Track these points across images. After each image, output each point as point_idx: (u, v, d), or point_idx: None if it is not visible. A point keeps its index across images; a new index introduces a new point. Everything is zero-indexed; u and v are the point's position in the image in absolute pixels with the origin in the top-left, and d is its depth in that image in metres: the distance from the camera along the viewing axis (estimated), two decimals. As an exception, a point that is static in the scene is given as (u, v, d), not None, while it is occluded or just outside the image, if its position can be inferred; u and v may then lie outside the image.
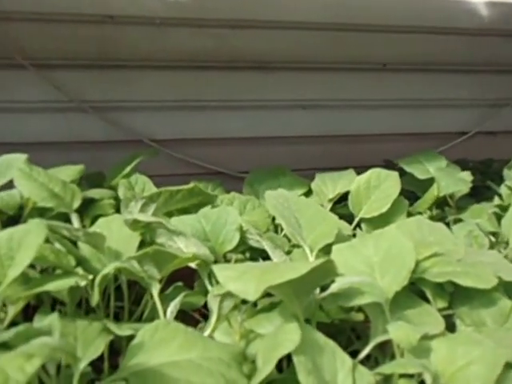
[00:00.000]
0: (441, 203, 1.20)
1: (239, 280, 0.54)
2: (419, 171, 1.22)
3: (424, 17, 1.69)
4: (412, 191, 1.29)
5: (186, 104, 1.75)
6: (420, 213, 1.14)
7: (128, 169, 1.05)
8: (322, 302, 0.72)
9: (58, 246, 0.75)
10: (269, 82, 1.81)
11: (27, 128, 1.59)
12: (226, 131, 1.83)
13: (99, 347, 0.64)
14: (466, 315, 0.82)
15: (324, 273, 0.60)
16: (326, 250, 0.80)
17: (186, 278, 0.90)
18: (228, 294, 0.69)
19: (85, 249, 0.79)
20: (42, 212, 0.86)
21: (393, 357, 0.71)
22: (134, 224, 0.77)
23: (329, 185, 1.13)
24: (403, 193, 1.25)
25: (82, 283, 0.69)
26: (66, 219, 0.87)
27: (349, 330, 0.85)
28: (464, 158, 1.81)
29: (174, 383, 0.52)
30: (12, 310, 0.65)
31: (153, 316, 0.78)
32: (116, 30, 1.59)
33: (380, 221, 1.05)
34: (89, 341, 0.65)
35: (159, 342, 0.58)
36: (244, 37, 1.71)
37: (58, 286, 0.64)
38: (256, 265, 0.61)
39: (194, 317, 0.86)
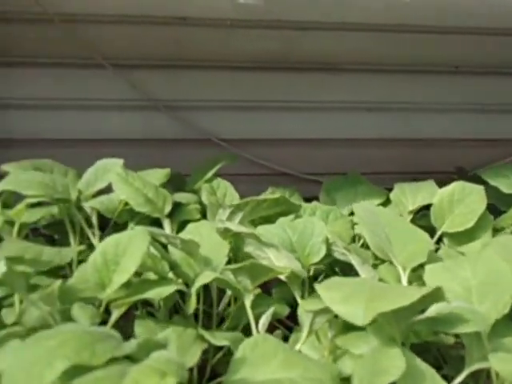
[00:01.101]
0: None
1: (346, 303, 0.53)
2: (505, 185, 1.16)
3: (498, 18, 1.61)
4: (492, 204, 1.22)
5: (254, 104, 1.76)
6: (503, 228, 1.09)
7: (210, 174, 1.06)
8: (416, 325, 0.70)
9: (152, 250, 0.77)
10: (334, 84, 1.78)
11: (104, 125, 1.65)
12: (292, 132, 1.82)
13: (195, 355, 0.66)
14: None
15: (431, 299, 0.58)
16: (417, 269, 0.78)
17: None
18: (323, 311, 0.68)
19: (176, 254, 0.81)
20: (132, 215, 0.89)
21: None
22: (225, 232, 0.78)
23: (408, 196, 1.10)
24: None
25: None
26: (153, 222, 0.90)
27: (435, 351, 0.83)
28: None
29: (279, 402, 0.53)
30: (115, 314, 0.68)
31: (236, 324, 0.79)
32: (188, 31, 1.61)
33: (463, 236, 1.01)
34: (185, 348, 0.67)
35: (260, 357, 0.59)
36: (311, 38, 1.69)
37: (158, 293, 0.66)
38: (359, 285, 0.60)
39: (271, 323, 0.86)
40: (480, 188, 1.04)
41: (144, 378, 0.40)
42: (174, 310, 0.83)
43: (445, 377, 0.70)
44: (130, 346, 0.48)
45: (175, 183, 1.08)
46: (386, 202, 1.15)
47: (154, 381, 0.40)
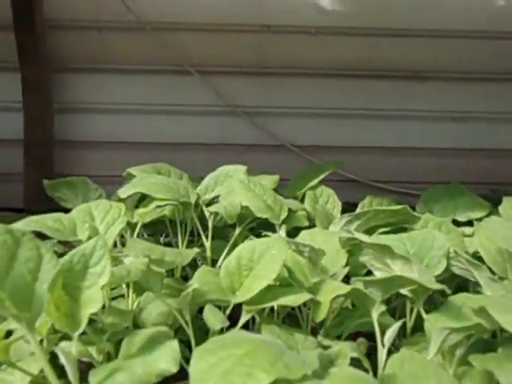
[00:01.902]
0: None
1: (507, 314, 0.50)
2: None
3: None
4: None
5: (332, 112, 1.74)
6: None
7: (316, 181, 1.06)
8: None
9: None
10: (419, 92, 1.74)
11: (185, 130, 1.69)
12: (369, 140, 1.79)
13: (315, 362, 0.65)
14: None
15: None
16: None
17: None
18: (459, 329, 0.66)
19: (289, 261, 0.81)
20: (241, 219, 0.89)
21: None
22: (347, 241, 0.77)
23: (517, 209, 1.05)
24: None
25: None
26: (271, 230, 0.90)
27: None
28: None
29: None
30: (245, 318, 0.68)
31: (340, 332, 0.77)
32: (272, 38, 1.63)
33: None
34: (310, 356, 0.66)
35: (409, 375, 0.57)
36: (398, 46, 1.67)
37: (293, 300, 0.66)
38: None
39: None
40: None
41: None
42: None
43: None
44: (313, 361, 0.47)
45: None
46: (489, 215, 1.10)
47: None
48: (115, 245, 0.82)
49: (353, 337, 0.80)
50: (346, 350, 0.52)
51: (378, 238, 0.84)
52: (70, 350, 0.54)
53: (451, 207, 1.11)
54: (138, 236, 0.92)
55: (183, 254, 0.77)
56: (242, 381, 0.38)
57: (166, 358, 0.54)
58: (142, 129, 1.67)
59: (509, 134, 1.81)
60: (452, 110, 1.74)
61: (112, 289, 0.74)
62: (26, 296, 0.55)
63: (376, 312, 0.70)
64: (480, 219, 1.06)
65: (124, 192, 0.81)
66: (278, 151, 1.77)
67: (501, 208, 1.05)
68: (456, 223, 1.02)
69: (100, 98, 1.63)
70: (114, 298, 0.75)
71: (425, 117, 1.75)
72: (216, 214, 0.82)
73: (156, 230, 1.05)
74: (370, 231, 0.86)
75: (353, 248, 0.81)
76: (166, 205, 0.83)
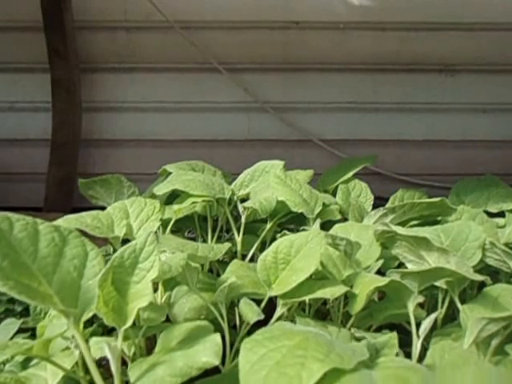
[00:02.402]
0: None
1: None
2: None
3: None
4: None
5: (360, 106, 1.74)
6: None
7: (350, 174, 1.06)
8: None
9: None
10: (449, 85, 1.72)
11: (214, 126, 1.71)
12: (397, 133, 1.77)
13: (366, 353, 0.65)
14: None
15: None
16: None
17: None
18: (497, 319, 0.65)
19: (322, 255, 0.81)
20: (272, 215, 0.90)
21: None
22: (382, 234, 0.77)
23: (554, 201, 1.03)
24: None
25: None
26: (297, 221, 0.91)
27: None
28: None
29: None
30: (281, 310, 0.69)
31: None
32: (300, 34, 1.63)
33: None
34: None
35: (450, 366, 0.57)
36: (426, 39, 1.65)
37: (331, 292, 0.66)
38: None
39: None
40: None
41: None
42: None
43: None
44: (363, 351, 0.48)
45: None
46: (523, 207, 1.08)
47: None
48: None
49: (378, 330, 0.80)
50: (394, 340, 0.52)
51: (412, 231, 0.84)
52: (115, 345, 0.56)
53: (483, 198, 1.09)
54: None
55: (215, 249, 0.79)
56: (295, 371, 0.39)
57: (208, 351, 0.55)
58: (169, 126, 1.70)
59: None
60: (483, 102, 1.71)
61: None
62: (72, 292, 0.56)
63: (412, 304, 0.70)
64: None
65: (161, 189, 0.83)
66: (305, 146, 1.78)
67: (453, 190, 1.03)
68: (488, 214, 1.00)
69: (128, 96, 1.66)
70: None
71: (455, 109, 1.72)
72: (248, 209, 0.83)
73: (182, 227, 1.06)
74: (402, 224, 0.86)
75: (385, 241, 0.81)
76: (202, 201, 0.84)
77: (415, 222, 0.93)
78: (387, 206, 0.84)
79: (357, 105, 1.73)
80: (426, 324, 0.71)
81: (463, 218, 0.90)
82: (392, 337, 0.52)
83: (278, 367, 0.40)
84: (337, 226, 0.84)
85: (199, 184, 0.79)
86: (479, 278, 0.68)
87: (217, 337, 0.57)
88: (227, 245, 0.82)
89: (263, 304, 0.72)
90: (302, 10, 1.56)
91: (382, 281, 0.66)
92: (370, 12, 1.56)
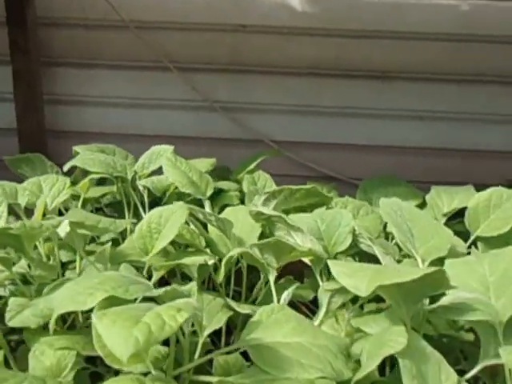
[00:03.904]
0: None
1: (353, 276, 0.59)
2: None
3: None
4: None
5: (305, 109, 1.83)
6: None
7: (252, 165, 1.15)
8: (430, 315, 0.73)
9: (192, 227, 0.87)
10: (387, 92, 1.80)
11: (166, 123, 1.80)
12: (342, 137, 1.86)
13: (221, 320, 0.74)
14: None
15: (435, 283, 0.62)
16: (438, 263, 0.81)
17: (296, 273, 0.97)
18: (339, 290, 0.74)
19: (213, 233, 0.90)
20: (180, 197, 0.99)
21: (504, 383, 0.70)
22: (257, 216, 0.86)
23: (444, 199, 1.11)
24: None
25: (210, 262, 0.79)
26: (198, 205, 1.00)
27: (457, 350, 0.85)
28: None
29: (287, 361, 0.59)
30: (155, 276, 0.78)
31: (265, 301, 0.86)
32: (247, 38, 1.73)
33: (499, 242, 1.00)
34: (213, 313, 0.75)
35: (274, 322, 0.66)
36: (365, 46, 1.75)
37: (191, 260, 0.75)
38: (368, 265, 0.65)
39: (301, 309, 0.92)
40: None
41: (164, 311, 0.48)
42: (213, 288, 0.92)
43: (462, 371, 0.73)
44: (159, 291, 0.57)
45: (222, 174, 1.18)
46: (422, 205, 1.17)
47: (171, 313, 0.48)
48: (61, 213, 0.94)
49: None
50: (195, 288, 0.61)
51: (295, 216, 0.92)
52: None
53: (389, 196, 1.16)
54: (91, 211, 1.03)
55: (117, 223, 0.88)
56: (83, 298, 0.48)
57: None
58: (126, 121, 1.79)
59: (482, 135, 1.85)
60: (420, 110, 1.80)
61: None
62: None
63: (272, 276, 0.79)
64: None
65: (65, 167, 0.93)
66: (256, 146, 1.86)
67: (428, 196, 1.12)
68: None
69: (87, 91, 1.76)
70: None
71: (392, 116, 1.81)
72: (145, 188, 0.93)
73: (116, 210, 1.15)
74: (288, 211, 0.95)
75: (268, 223, 0.89)
76: (100, 178, 0.94)
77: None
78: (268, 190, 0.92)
79: (303, 108, 1.82)
80: (285, 295, 0.80)
81: (348, 208, 0.99)
82: (193, 285, 0.61)
83: (76, 295, 0.49)
84: (228, 208, 0.93)
85: (98, 162, 0.89)
86: (324, 255, 0.77)
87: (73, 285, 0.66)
88: (129, 220, 0.91)
89: (145, 271, 0.81)
90: (249, 14, 1.66)
91: (236, 251, 0.75)
92: (311, 18, 1.66)
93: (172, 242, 0.89)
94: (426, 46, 1.69)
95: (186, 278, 0.90)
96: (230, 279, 0.89)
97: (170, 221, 0.75)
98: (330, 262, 0.63)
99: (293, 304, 0.89)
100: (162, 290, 0.56)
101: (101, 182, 1.15)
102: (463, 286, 0.75)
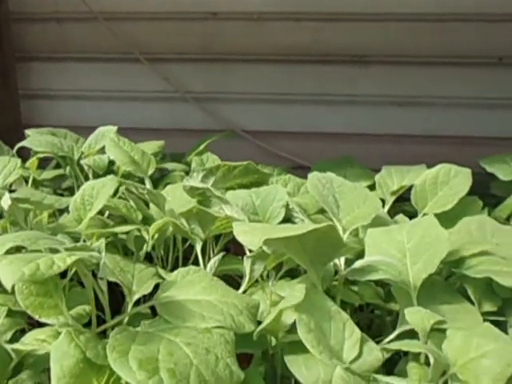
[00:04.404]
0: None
1: (249, 233, 0.62)
2: (502, 172, 1.14)
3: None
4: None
5: (279, 97, 1.82)
6: (501, 217, 1.08)
7: (201, 147, 1.19)
8: (359, 286, 0.76)
9: (132, 203, 0.91)
10: (363, 77, 1.74)
11: (138, 115, 1.84)
12: (317, 126, 1.85)
13: (150, 286, 0.78)
14: (519, 325, 0.78)
15: (331, 241, 0.65)
16: (363, 233, 0.84)
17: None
18: (257, 257, 0.77)
19: (153, 210, 0.94)
20: (126, 176, 1.03)
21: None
22: (191, 191, 0.89)
23: (394, 178, 1.13)
24: (490, 198, 1.18)
25: (143, 233, 0.82)
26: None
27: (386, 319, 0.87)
28: None
29: (191, 314, 0.62)
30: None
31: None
32: (218, 25, 1.74)
33: (447, 219, 1.01)
34: (143, 280, 0.79)
35: (188, 282, 0.69)
36: (340, 30, 1.70)
37: (121, 229, 0.79)
38: (270, 225, 0.68)
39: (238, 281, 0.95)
40: (467, 171, 1.03)
41: (57, 256, 0.53)
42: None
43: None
44: (68, 245, 0.60)
45: (176, 157, 1.22)
46: (375, 184, 1.18)
47: (62, 257, 0.52)
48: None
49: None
50: (103, 244, 0.64)
51: (231, 193, 0.95)
52: None
53: (341, 177, 1.19)
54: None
55: (62, 200, 0.92)
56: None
57: None
58: (99, 114, 1.83)
59: (463, 120, 1.79)
60: (397, 95, 1.74)
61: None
62: None
63: (198, 245, 0.82)
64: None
65: (15, 148, 0.97)
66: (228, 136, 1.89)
67: (377, 176, 1.14)
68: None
69: (60, 85, 1.80)
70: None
71: (370, 102, 1.77)
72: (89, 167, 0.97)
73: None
74: (228, 189, 0.98)
75: (204, 198, 0.92)
76: (45, 157, 0.98)
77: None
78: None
79: (276, 96, 1.79)
80: (212, 263, 0.83)
81: (289, 186, 1.02)
82: (102, 242, 0.65)
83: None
84: (168, 186, 0.97)
85: (44, 143, 0.93)
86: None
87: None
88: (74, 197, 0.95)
89: (81, 240, 0.85)
90: (220, 1, 1.67)
91: (163, 221, 0.78)
92: (282, 3, 1.65)
93: (113, 218, 0.93)
94: (405, 27, 1.64)
95: (129, 253, 0.94)
96: (169, 251, 0.92)
97: (101, 192, 0.79)
98: (234, 224, 0.66)
99: (231, 277, 0.92)
100: (72, 245, 0.60)
101: (58, 166, 1.18)
102: (383, 253, 0.78)
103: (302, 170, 1.83)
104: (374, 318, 0.90)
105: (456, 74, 1.72)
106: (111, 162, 0.95)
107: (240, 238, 0.62)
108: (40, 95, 1.82)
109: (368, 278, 0.70)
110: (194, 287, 0.68)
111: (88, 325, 0.66)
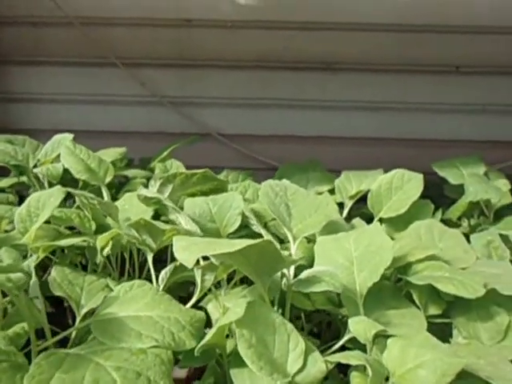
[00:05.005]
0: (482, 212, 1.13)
1: (186, 250, 0.61)
2: (452, 176, 1.16)
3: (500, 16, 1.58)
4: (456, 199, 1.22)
5: (253, 102, 1.85)
6: (451, 219, 1.09)
7: (165, 153, 1.18)
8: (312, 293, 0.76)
9: (86, 213, 0.90)
10: (334, 83, 1.81)
11: (115, 118, 1.83)
12: (290, 129, 1.88)
13: (99, 299, 0.77)
14: (462, 326, 0.79)
15: (270, 254, 0.65)
16: (314, 240, 0.84)
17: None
18: (207, 268, 0.77)
19: (109, 219, 0.93)
20: (87, 185, 1.03)
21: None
22: (147, 200, 0.89)
23: (353, 182, 1.14)
24: (444, 200, 1.20)
25: (91, 243, 0.82)
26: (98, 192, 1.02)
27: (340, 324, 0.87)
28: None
29: (128, 333, 0.62)
30: (34, 257, 0.81)
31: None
32: (192, 32, 1.75)
33: (401, 223, 1.03)
34: (92, 293, 0.79)
35: (131, 298, 0.69)
36: (311, 38, 1.76)
37: (67, 242, 0.78)
38: (210, 239, 0.68)
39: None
40: (419, 176, 1.06)
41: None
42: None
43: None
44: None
45: (143, 163, 1.22)
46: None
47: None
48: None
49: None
50: (32, 263, 0.64)
51: (189, 200, 0.94)
52: None
53: (304, 181, 1.20)
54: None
55: (13, 210, 0.91)
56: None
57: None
58: (76, 118, 1.82)
59: (427, 124, 1.85)
60: (366, 101, 1.81)
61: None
62: None
63: (150, 256, 0.82)
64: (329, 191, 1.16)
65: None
66: (204, 140, 1.89)
67: (337, 181, 1.15)
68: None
69: (37, 88, 1.79)
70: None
71: (339, 107, 1.83)
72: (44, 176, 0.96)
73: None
74: (188, 196, 0.98)
75: (161, 208, 0.92)
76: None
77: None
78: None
79: (250, 101, 1.83)
80: (163, 274, 0.83)
81: (248, 192, 1.02)
82: (31, 260, 0.64)
83: None
84: (126, 194, 0.96)
85: (-3, 152, 0.93)
86: (199, 234, 0.79)
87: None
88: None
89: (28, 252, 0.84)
90: (193, 8, 1.68)
91: (112, 233, 0.78)
92: (255, 11, 1.68)
93: (69, 228, 0.93)
94: (372, 36, 1.70)
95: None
96: (125, 261, 0.91)
97: (46, 204, 0.78)
98: (174, 238, 0.65)
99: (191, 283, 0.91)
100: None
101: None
102: (331, 262, 0.78)
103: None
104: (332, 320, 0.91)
105: (416, 81, 1.78)
106: (67, 171, 0.94)
107: (178, 256, 0.62)
108: (17, 99, 1.81)
109: (311, 290, 0.70)
110: (136, 303, 0.67)
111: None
